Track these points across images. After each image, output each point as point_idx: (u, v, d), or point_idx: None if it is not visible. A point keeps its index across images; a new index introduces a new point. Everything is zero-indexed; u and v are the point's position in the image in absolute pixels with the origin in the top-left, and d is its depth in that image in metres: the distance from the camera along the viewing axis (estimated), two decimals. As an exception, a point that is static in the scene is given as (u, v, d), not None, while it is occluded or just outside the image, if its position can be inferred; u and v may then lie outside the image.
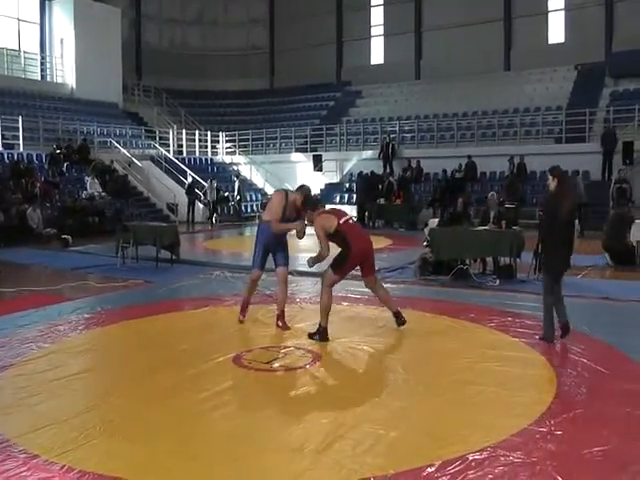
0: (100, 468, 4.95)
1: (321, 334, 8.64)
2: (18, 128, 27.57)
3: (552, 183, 8.59)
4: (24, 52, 34.63)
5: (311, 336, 8.72)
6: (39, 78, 35.06)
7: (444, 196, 25.14)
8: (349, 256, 8.68)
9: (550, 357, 7.78)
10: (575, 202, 10.22)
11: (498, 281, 12.81)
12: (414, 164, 28.90)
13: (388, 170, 28.76)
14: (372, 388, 6.86)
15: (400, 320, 9.11)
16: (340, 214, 9.07)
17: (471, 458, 5.02)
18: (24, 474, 4.89)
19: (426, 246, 14.08)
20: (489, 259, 13.94)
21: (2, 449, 5.33)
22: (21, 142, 27.65)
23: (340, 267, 8.80)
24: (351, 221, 9.12)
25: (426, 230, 14.81)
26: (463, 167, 26.79)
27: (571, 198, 9.07)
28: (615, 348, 8.14)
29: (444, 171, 27.32)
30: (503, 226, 13.59)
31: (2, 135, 27.18)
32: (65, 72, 35.22)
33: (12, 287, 12.86)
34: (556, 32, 34.47)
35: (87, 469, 4.93)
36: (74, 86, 34.83)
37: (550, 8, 34.85)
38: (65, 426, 5.81)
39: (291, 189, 9.90)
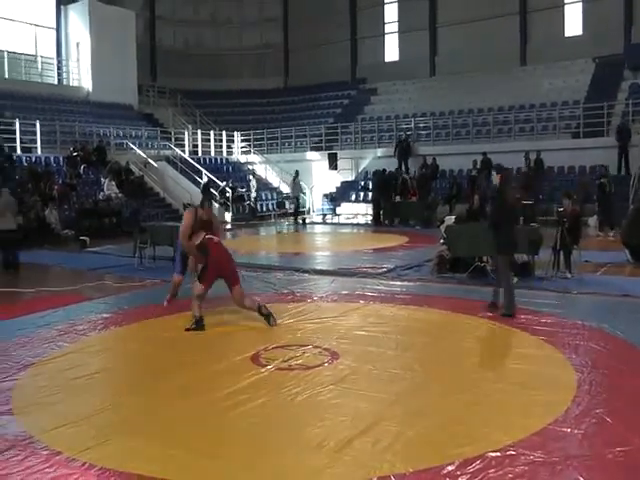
0: (121, 465, 5.01)
1: (197, 323, 9.33)
2: (36, 132, 27.80)
3: (496, 179, 10.38)
4: (41, 57, 34.90)
5: (188, 329, 9.30)
6: (56, 82, 35.31)
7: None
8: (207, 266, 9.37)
9: (570, 355, 7.71)
10: (514, 194, 11.87)
11: (516, 279, 12.70)
12: (430, 161, 28.77)
13: (403, 168, 28.65)
14: (390, 386, 6.83)
15: (270, 320, 9.48)
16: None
17: (491, 457, 5.00)
18: (47, 470, 4.97)
19: (443, 243, 14.03)
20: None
21: (25, 446, 5.41)
22: (39, 145, 27.87)
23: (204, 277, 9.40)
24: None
25: (442, 227, 14.75)
26: (478, 164, 26.63)
27: (511, 190, 10.93)
28: (636, 346, 8.06)
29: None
30: (520, 223, 13.50)
31: (20, 139, 27.37)
32: (81, 75, 35.41)
33: (31, 288, 12.99)
34: (573, 24, 34.02)
35: (108, 466, 4.99)
36: (90, 89, 34.99)
37: (567, 0, 34.42)
38: (86, 424, 5.88)
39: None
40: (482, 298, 11.02)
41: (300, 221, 28.15)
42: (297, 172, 29.45)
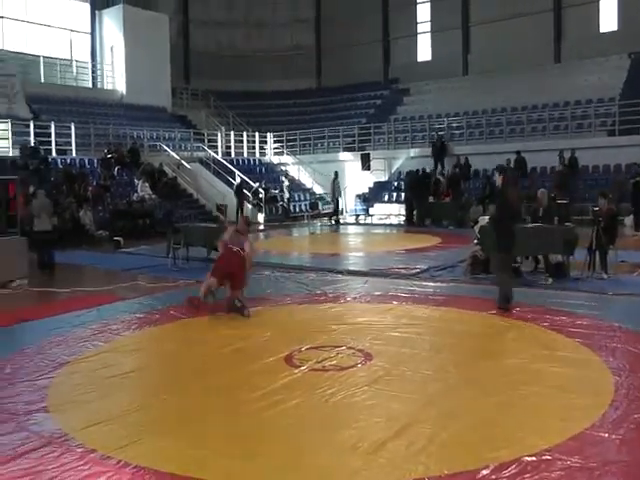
0: (155, 464, 5.04)
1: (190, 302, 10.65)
2: (71, 134, 28.14)
3: (499, 179, 10.99)
4: (76, 61, 35.35)
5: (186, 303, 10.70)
6: (90, 86, 35.78)
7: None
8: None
9: (607, 358, 7.60)
10: (515, 194, 12.34)
11: (550, 279, 12.59)
12: (462, 161, 28.61)
13: (439, 168, 28.52)
14: (424, 388, 6.80)
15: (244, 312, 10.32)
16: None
17: (527, 461, 4.94)
18: (82, 468, 5.02)
19: (476, 244, 13.93)
20: (541, 257, 13.70)
21: (61, 443, 5.47)
22: (74, 148, 28.22)
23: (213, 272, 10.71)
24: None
25: (476, 228, 14.65)
26: (512, 163, 26.41)
27: (514, 190, 11.81)
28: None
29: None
30: (555, 222, 13.37)
31: (56, 142, 27.72)
32: (115, 79, 35.77)
33: (67, 288, 13.14)
34: (608, 20, 33.52)
35: (142, 465, 5.03)
36: (124, 92, 35.33)
37: (602, -5, 33.93)
38: (120, 422, 5.93)
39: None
40: (517, 299, 10.92)
41: (334, 222, 28.12)
42: (336, 173, 29.41)
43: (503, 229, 10.41)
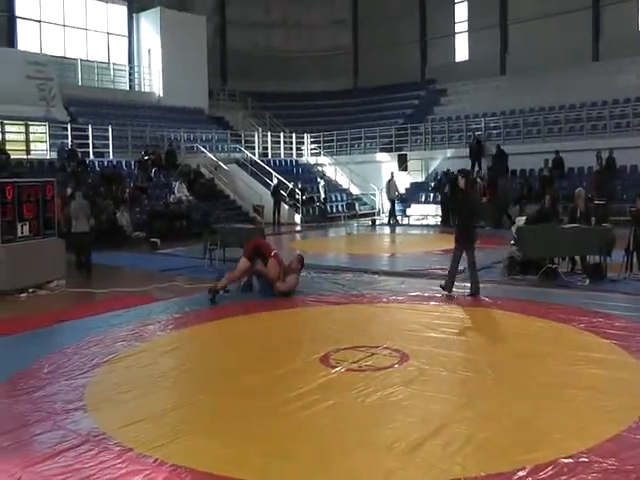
0: (191, 463, 5.07)
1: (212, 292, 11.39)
2: (108, 137, 28.48)
3: (461, 182, 12.53)
4: (113, 64, 35.78)
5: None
6: (127, 88, 36.16)
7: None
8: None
9: (644, 359, 7.50)
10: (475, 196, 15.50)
11: (588, 280, 12.46)
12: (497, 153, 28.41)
13: (477, 168, 28.34)
14: (460, 388, 6.79)
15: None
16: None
17: (563, 463, 4.90)
18: (119, 466, 5.08)
19: (513, 245, 13.84)
20: (578, 258, 13.57)
21: (98, 441, 5.54)
22: (111, 150, 28.56)
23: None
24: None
25: (513, 228, 14.55)
26: (550, 163, 26.18)
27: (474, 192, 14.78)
28: None
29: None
30: (592, 223, 13.24)
31: (93, 144, 28.05)
32: (152, 81, 36.13)
33: (104, 288, 13.30)
34: (648, 18, 32.99)
35: (178, 463, 5.07)
36: (161, 94, 35.66)
37: (642, -8, 33.27)
38: (156, 421, 5.99)
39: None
40: (554, 300, 10.87)
41: (391, 223, 28.08)
42: (392, 174, 29.38)
43: (462, 223, 12.10)
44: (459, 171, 13.76)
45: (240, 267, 11.94)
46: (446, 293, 11.79)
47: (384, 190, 30.07)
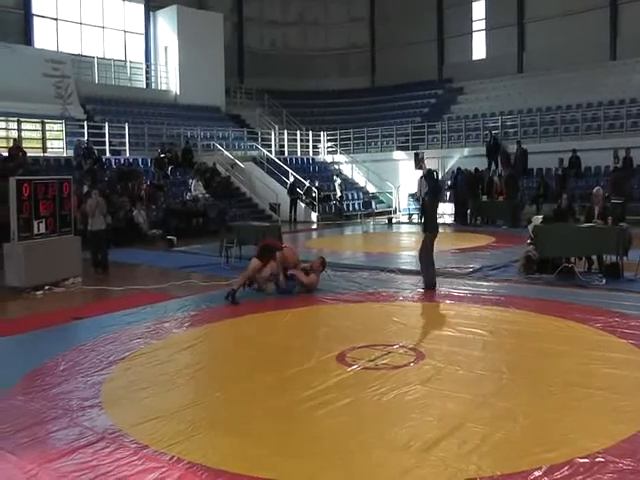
0: (207, 461, 5.09)
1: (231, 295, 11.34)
2: (125, 135, 28.60)
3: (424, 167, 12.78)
4: (130, 62, 35.97)
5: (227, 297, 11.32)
6: (144, 86, 36.34)
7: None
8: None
9: (661, 359, 7.46)
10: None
11: (604, 280, 12.40)
12: (513, 160, 28.16)
13: (493, 167, 28.20)
14: (476, 387, 6.77)
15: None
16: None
17: (579, 463, 4.89)
18: (135, 463, 5.10)
19: (530, 244, 13.79)
20: (594, 257, 13.50)
21: (114, 439, 5.57)
22: (127, 148, 28.69)
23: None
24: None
25: (530, 227, 14.51)
26: (566, 162, 26.04)
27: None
28: None
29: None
30: (609, 223, 13.17)
31: (110, 142, 28.19)
32: (169, 79, 36.26)
33: (121, 286, 13.35)
34: (666, 16, 32.70)
35: (195, 461, 5.09)
36: (178, 92, 35.78)
37: (660, -10, 33.03)
38: (173, 419, 6.01)
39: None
40: (570, 300, 10.81)
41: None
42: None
43: (428, 214, 12.74)
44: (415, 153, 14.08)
45: (251, 266, 12.01)
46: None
47: (416, 187, 29.75)
